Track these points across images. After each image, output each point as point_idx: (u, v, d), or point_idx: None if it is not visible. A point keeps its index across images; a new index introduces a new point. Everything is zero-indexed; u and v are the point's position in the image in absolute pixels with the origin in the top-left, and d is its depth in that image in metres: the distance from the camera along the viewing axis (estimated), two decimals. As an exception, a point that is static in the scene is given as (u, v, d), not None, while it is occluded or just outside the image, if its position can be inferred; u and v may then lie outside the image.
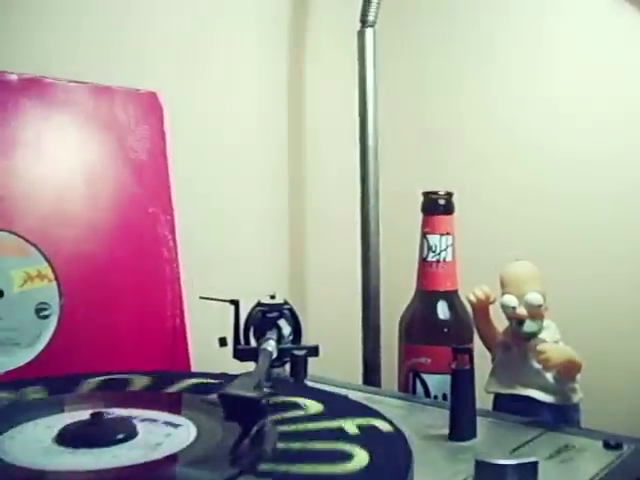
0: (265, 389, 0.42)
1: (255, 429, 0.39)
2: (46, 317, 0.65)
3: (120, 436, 0.42)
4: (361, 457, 0.39)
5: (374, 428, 0.45)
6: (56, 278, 0.66)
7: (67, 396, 0.53)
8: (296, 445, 0.41)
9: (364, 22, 0.86)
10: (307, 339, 0.90)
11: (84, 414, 0.44)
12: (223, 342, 0.67)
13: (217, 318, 0.71)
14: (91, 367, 0.63)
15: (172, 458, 0.39)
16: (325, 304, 0.98)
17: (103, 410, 0.43)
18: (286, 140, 0.97)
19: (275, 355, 0.60)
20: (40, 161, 0.67)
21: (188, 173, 0.80)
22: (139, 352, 0.70)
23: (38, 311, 0.65)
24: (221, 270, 0.85)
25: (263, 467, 0.37)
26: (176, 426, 0.45)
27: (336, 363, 0.87)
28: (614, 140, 0.83)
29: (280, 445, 0.41)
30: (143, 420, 0.45)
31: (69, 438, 0.41)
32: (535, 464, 0.43)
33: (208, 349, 0.70)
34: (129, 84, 0.74)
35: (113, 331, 0.68)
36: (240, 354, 0.64)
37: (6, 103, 0.66)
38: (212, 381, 0.56)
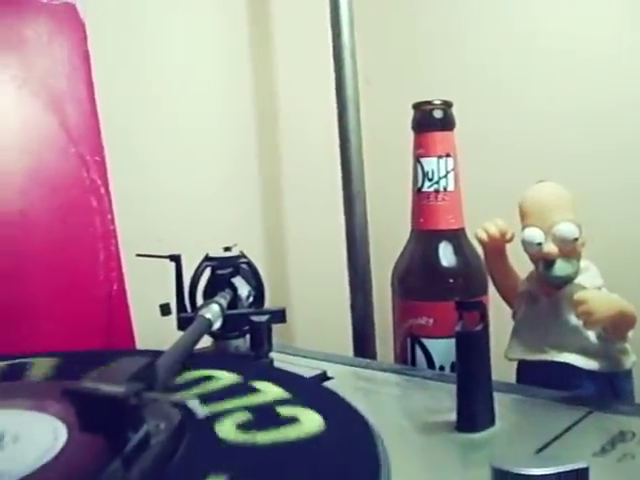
0: (152, 382, 0.27)
1: (130, 445, 0.24)
2: None
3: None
4: None
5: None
6: None
7: None
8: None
9: None
10: (288, 303, 0.75)
11: None
12: (166, 310, 0.52)
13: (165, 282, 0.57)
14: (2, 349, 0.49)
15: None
16: (306, 261, 0.82)
17: None
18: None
19: (219, 324, 0.45)
20: None
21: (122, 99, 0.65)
22: (66, 328, 0.55)
23: None
24: (174, 222, 0.70)
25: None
26: (38, 432, 0.30)
27: (323, 332, 0.72)
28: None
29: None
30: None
31: None
32: (584, 472, 0.28)
33: (157, 320, 0.55)
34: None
35: (27, 303, 0.54)
36: (183, 324, 0.49)
37: None
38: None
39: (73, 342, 0.54)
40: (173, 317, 0.53)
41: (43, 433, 0.30)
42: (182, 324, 0.50)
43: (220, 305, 0.45)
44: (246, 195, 0.79)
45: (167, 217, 0.70)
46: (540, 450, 0.35)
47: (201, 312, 0.44)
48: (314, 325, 0.62)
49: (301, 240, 0.81)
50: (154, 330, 0.57)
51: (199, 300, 0.52)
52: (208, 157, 0.75)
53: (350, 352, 0.69)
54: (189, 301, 0.52)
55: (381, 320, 0.68)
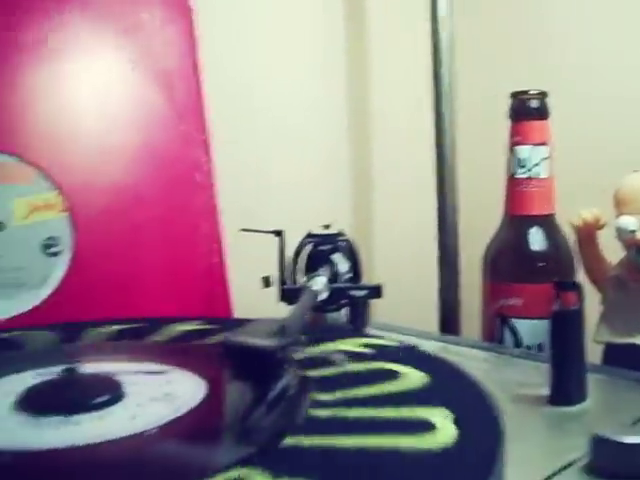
0: (296, 338, 0.30)
1: (274, 392, 0.27)
2: (55, 254, 0.54)
3: (98, 400, 0.30)
4: (441, 429, 0.27)
5: (451, 391, 0.33)
6: (68, 208, 0.55)
7: (53, 349, 0.42)
8: (338, 412, 0.29)
9: None
10: (372, 280, 0.77)
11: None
12: (267, 282, 0.55)
13: (264, 256, 0.60)
14: (109, 314, 0.53)
15: (159, 433, 0.28)
16: (394, 239, 0.84)
17: (82, 364, 0.32)
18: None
19: (325, 296, 0.48)
20: (45, 70, 0.56)
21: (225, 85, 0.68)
22: (169, 296, 0.59)
23: (46, 247, 0.54)
24: (270, 201, 0.73)
25: (289, 442, 0.26)
26: (178, 385, 0.33)
27: (408, 308, 0.74)
28: None
29: (316, 413, 0.29)
30: (136, 377, 0.34)
31: (32, 403, 0.30)
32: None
33: (254, 292, 0.59)
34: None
35: (136, 272, 0.57)
36: (287, 295, 0.53)
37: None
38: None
39: (176, 311, 0.58)
40: (267, 290, 0.56)
41: (184, 385, 0.33)
42: (284, 296, 0.53)
43: (326, 279, 0.48)
44: (338, 179, 0.82)
45: (264, 196, 0.73)
46: (634, 424, 0.37)
47: (309, 283, 0.47)
48: (400, 304, 0.64)
49: (389, 222, 0.84)
50: (249, 302, 0.60)
51: (299, 275, 0.55)
52: (303, 142, 0.78)
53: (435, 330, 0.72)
54: (291, 274, 0.55)
55: (468, 303, 0.70)
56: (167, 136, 0.60)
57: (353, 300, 0.51)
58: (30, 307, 0.53)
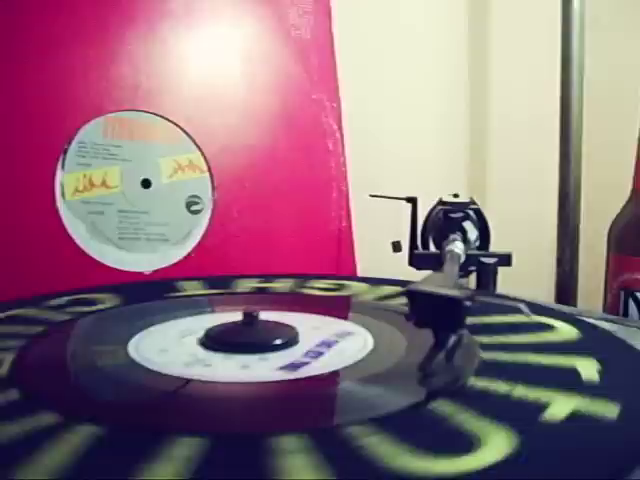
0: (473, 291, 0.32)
1: (454, 337, 0.29)
2: (197, 212, 0.58)
3: (279, 341, 0.33)
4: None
5: (603, 346, 0.34)
6: (209, 169, 0.58)
7: (214, 297, 0.45)
8: (510, 357, 0.30)
9: None
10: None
11: (234, 316, 0.35)
12: (397, 247, 0.57)
13: (385, 223, 0.62)
14: (245, 270, 0.55)
15: (348, 370, 0.30)
16: (510, 210, 0.85)
17: (257, 311, 0.34)
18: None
19: (462, 260, 0.49)
20: (191, 37, 0.59)
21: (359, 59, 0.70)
22: (299, 256, 0.61)
23: (189, 205, 0.57)
24: (393, 169, 0.75)
25: (475, 383, 0.28)
26: (347, 334, 0.35)
27: (522, 279, 0.75)
28: None
29: (488, 356, 0.31)
30: (305, 326, 0.36)
31: (218, 341, 0.33)
32: None
33: (374, 256, 0.61)
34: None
35: (270, 231, 0.60)
36: (418, 260, 0.54)
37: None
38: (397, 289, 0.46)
39: (304, 269, 0.60)
40: (378, 253, 0.58)
41: (352, 335, 0.35)
42: (415, 261, 0.55)
43: (464, 243, 0.50)
44: (455, 149, 0.83)
45: (384, 164, 0.75)
46: None
47: (449, 247, 0.48)
48: (514, 275, 0.65)
49: (504, 192, 0.85)
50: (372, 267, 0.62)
51: (429, 241, 0.56)
52: (422, 110, 0.79)
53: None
54: (420, 240, 0.57)
55: (586, 277, 0.71)
56: (302, 103, 0.63)
57: (483, 267, 0.53)
58: (173, 261, 0.56)
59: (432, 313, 0.29)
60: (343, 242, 0.63)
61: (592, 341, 0.34)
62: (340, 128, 0.64)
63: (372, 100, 0.75)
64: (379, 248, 0.59)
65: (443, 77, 0.82)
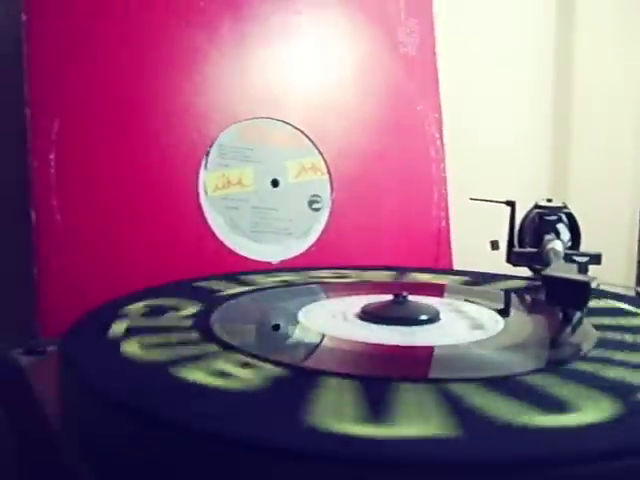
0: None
1: (579, 315, 0.36)
2: (318, 210, 0.65)
3: (424, 317, 0.40)
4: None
5: None
6: (328, 171, 0.65)
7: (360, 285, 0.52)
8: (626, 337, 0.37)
9: None
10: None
11: (379, 297, 0.43)
12: (495, 245, 0.63)
13: (480, 224, 0.69)
14: (356, 262, 0.63)
15: (490, 340, 0.37)
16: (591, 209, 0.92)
17: (405, 294, 0.42)
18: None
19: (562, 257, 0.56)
20: (314, 52, 0.66)
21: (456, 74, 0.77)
22: (402, 252, 0.68)
23: (311, 203, 0.65)
24: (484, 175, 0.82)
25: (594, 354, 0.34)
26: (479, 314, 0.42)
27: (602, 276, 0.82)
28: None
29: (607, 335, 0.37)
30: (443, 307, 0.43)
31: (374, 315, 0.40)
32: None
33: (470, 254, 0.67)
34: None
35: (380, 228, 0.67)
36: (516, 257, 0.61)
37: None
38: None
39: (406, 264, 0.67)
40: (473, 251, 0.65)
41: (489, 316, 0.42)
42: (513, 257, 0.61)
43: (562, 243, 0.56)
44: (539, 157, 0.90)
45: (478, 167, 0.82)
46: None
47: (550, 245, 0.55)
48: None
49: (585, 193, 0.91)
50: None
51: (526, 241, 0.63)
52: (509, 114, 0.87)
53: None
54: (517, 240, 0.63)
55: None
56: (408, 113, 0.70)
57: (577, 265, 0.59)
58: (296, 254, 0.64)
59: (562, 294, 0.36)
60: (442, 241, 0.70)
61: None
62: (441, 137, 0.71)
63: (467, 111, 0.82)
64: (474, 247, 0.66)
65: (528, 85, 0.89)
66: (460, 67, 0.81)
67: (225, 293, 0.47)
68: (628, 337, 0.37)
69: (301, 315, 0.41)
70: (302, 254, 0.64)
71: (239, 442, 0.24)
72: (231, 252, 0.61)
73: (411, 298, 0.43)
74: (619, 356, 0.34)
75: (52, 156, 0.55)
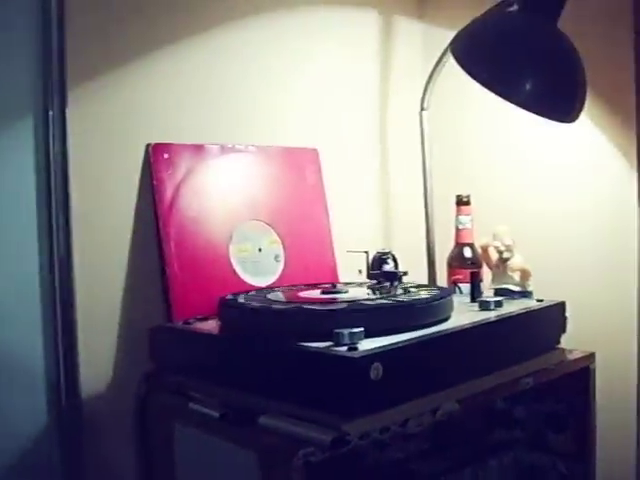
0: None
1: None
2: (279, 261, 1.39)
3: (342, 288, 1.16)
4: None
5: None
6: (282, 243, 1.40)
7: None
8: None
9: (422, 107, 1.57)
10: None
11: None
12: (360, 271, 1.39)
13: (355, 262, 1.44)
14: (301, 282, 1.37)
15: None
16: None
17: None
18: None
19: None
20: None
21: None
22: (317, 278, 1.43)
23: (275, 257, 1.39)
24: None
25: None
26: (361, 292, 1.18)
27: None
28: None
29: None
30: (348, 288, 1.19)
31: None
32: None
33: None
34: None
35: (308, 268, 1.42)
36: (371, 276, 1.36)
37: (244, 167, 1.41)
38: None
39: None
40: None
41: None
42: (369, 276, 1.37)
43: (390, 267, 1.34)
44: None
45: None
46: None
47: (383, 269, 1.32)
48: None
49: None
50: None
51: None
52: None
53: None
54: (371, 267, 1.39)
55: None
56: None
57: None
58: (271, 282, 1.37)
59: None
60: (334, 271, 1.46)
61: None
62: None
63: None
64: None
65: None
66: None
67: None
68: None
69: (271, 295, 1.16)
70: (274, 282, 1.37)
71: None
72: (244, 282, 1.34)
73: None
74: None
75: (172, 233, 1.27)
